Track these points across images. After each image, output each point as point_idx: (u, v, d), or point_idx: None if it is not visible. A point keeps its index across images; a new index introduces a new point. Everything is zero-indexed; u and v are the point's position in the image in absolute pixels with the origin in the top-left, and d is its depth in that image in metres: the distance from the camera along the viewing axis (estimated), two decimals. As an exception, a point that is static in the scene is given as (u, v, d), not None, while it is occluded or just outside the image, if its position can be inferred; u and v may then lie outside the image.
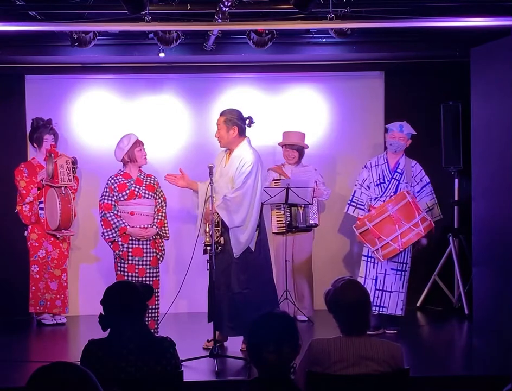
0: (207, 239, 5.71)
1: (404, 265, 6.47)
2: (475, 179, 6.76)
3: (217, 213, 5.79)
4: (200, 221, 5.86)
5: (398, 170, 6.56)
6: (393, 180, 6.54)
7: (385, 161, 6.62)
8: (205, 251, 5.76)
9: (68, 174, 6.67)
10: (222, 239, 5.83)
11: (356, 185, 6.74)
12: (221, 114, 6.02)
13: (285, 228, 7.10)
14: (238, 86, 7.79)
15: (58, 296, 7.05)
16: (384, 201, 6.48)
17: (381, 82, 7.81)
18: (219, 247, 5.80)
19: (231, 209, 5.83)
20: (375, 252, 6.31)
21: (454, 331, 7.17)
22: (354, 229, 6.46)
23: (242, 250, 5.90)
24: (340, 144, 7.83)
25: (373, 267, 6.50)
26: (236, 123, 5.96)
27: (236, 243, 5.89)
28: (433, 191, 6.62)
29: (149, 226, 6.36)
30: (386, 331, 6.48)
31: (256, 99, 7.76)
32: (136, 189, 6.37)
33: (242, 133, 6.00)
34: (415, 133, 6.60)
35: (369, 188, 6.63)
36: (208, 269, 5.76)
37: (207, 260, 5.77)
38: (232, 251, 5.89)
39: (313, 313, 7.19)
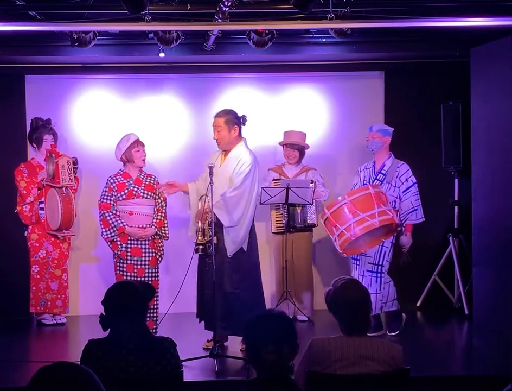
0: (199, 238, 5.73)
1: (379, 267, 6.40)
2: (475, 179, 6.76)
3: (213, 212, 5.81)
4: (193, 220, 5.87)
5: (382, 171, 6.55)
6: (376, 180, 6.53)
7: (373, 165, 6.63)
8: (196, 250, 5.77)
9: (69, 174, 6.68)
10: (215, 238, 5.84)
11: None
12: (218, 116, 6.01)
13: (283, 228, 7.11)
14: (238, 86, 7.79)
15: (58, 296, 7.05)
16: None
17: (381, 82, 7.81)
18: (212, 246, 5.80)
19: (228, 208, 5.84)
20: (334, 243, 6.26)
21: (454, 331, 7.17)
22: (320, 219, 6.43)
23: (235, 249, 5.92)
24: (340, 144, 7.83)
25: (356, 269, 6.52)
26: (236, 122, 6.00)
27: (231, 242, 5.90)
28: (417, 192, 6.51)
29: (148, 226, 6.36)
30: (388, 333, 6.46)
31: (256, 99, 7.76)
32: (135, 189, 6.37)
33: (240, 133, 6.03)
34: (392, 129, 6.58)
35: None
36: (206, 268, 5.76)
37: (206, 259, 5.79)
38: (225, 251, 5.90)
39: (313, 313, 7.19)
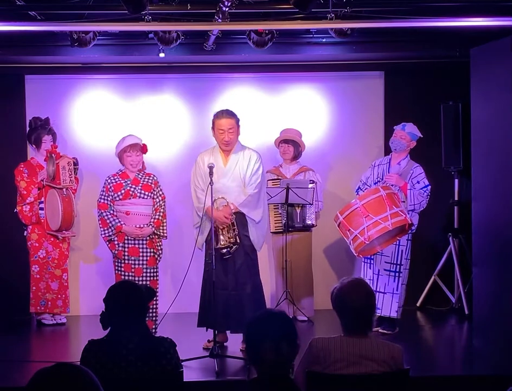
0: (222, 243, 5.81)
1: (398, 266, 6.44)
2: (475, 179, 6.75)
3: (233, 214, 5.89)
4: (210, 222, 5.81)
5: (386, 175, 6.56)
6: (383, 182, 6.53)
7: (388, 161, 6.64)
8: (224, 254, 5.83)
9: (70, 175, 6.67)
10: (237, 238, 5.88)
11: (360, 181, 6.75)
12: (229, 117, 5.99)
13: (282, 228, 7.11)
14: (238, 86, 7.79)
15: (59, 296, 7.05)
16: None
17: (381, 82, 7.81)
18: (235, 246, 5.86)
19: (256, 203, 5.97)
20: (350, 246, 6.30)
21: (454, 331, 7.17)
22: (334, 222, 6.46)
23: (262, 244, 6.09)
24: (340, 144, 7.82)
25: (370, 268, 6.52)
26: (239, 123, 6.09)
27: (259, 237, 6.00)
28: (427, 195, 6.52)
29: (145, 225, 6.37)
30: (380, 330, 6.46)
31: (256, 99, 7.76)
32: (132, 189, 6.40)
33: None
34: (421, 136, 6.58)
35: (370, 186, 6.63)
36: (213, 268, 5.74)
37: (206, 259, 5.78)
38: (248, 248, 5.95)
39: (313, 313, 7.19)
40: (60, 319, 7.13)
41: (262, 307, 5.83)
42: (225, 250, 5.82)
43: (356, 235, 6.11)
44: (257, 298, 5.97)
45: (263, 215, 6.04)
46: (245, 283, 5.94)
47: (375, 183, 6.59)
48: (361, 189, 6.67)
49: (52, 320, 7.11)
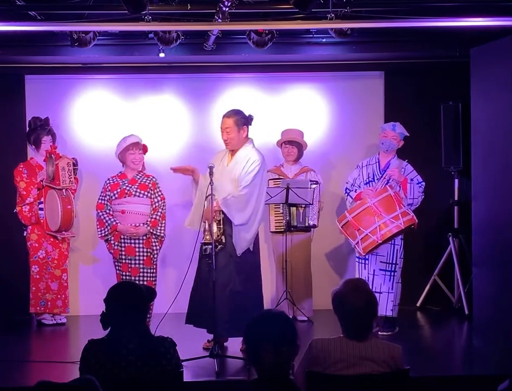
0: (207, 238, 5.69)
1: (393, 265, 6.44)
2: (475, 179, 6.75)
3: (220, 211, 5.78)
4: (201, 217, 5.78)
5: (388, 170, 6.57)
6: (382, 178, 6.54)
7: (377, 161, 6.64)
8: (205, 250, 5.71)
9: (69, 175, 6.68)
10: (223, 237, 5.82)
11: (347, 183, 6.74)
12: (227, 117, 5.95)
13: (283, 227, 7.10)
14: (238, 86, 7.79)
15: (58, 296, 7.05)
16: None
17: (381, 82, 7.81)
18: (219, 246, 5.79)
19: (238, 206, 5.78)
20: (355, 246, 6.28)
21: (454, 331, 7.17)
22: (337, 223, 6.46)
23: (245, 248, 5.86)
24: (340, 144, 7.83)
25: (365, 268, 6.51)
26: (245, 122, 5.97)
27: (240, 241, 5.83)
28: (423, 192, 6.54)
29: (141, 224, 6.39)
30: (380, 333, 6.45)
31: (256, 99, 7.76)
32: (128, 188, 6.45)
33: (248, 133, 6.01)
34: (408, 134, 6.62)
35: (359, 187, 6.63)
36: (207, 268, 5.72)
37: (206, 259, 5.76)
38: (232, 250, 5.85)
39: (313, 313, 7.18)
40: (60, 319, 7.13)
41: (240, 314, 5.61)
42: (208, 246, 5.69)
43: (367, 234, 6.12)
44: (235, 302, 5.76)
45: (251, 222, 5.81)
46: (226, 285, 5.79)
47: (365, 184, 6.59)
48: (350, 190, 6.67)
49: (52, 320, 7.11)
